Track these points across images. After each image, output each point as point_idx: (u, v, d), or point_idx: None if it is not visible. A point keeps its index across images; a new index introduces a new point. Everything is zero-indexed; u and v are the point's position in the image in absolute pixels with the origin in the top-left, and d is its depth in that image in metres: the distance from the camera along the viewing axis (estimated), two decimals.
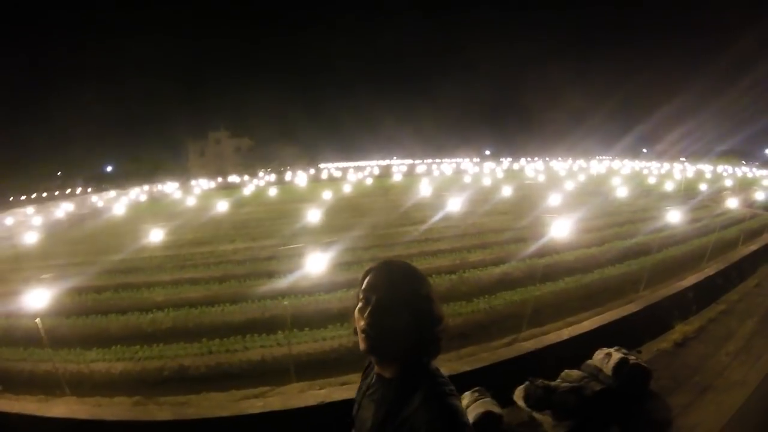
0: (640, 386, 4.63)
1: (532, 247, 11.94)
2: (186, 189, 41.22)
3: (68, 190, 56.83)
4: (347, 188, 24.94)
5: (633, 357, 4.79)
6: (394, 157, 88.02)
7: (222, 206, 19.25)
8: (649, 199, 21.38)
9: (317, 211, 14.16)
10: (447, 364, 5.30)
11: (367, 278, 1.37)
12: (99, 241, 17.79)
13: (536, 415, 4.12)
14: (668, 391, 4.70)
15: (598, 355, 4.89)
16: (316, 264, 6.38)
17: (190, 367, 7.14)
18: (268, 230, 17.44)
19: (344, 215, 19.35)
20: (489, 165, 58.57)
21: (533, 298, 7.37)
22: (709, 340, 5.91)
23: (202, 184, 46.07)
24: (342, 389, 5.15)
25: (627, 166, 52.83)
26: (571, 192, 21.00)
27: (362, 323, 1.30)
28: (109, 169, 79.18)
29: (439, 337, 1.33)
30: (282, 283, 10.46)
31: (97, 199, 39.49)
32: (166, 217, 22.12)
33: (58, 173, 71.04)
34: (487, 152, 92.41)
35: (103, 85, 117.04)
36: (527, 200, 21.73)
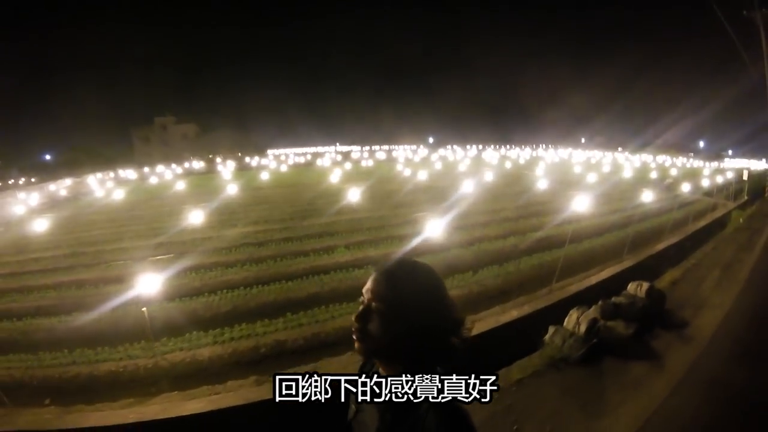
0: (660, 305, 6.98)
1: (533, 222, 14.48)
2: (157, 175, 40.35)
3: (11, 180, 53.37)
4: (337, 173, 26.13)
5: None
6: (336, 144, 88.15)
7: (232, 189, 20.08)
8: (610, 185, 24.64)
9: (356, 192, 15.53)
10: (514, 310, 7.35)
11: (371, 279, 1.29)
12: (101, 228, 18.03)
13: (610, 323, 6.28)
14: (677, 309, 7.06)
15: (632, 286, 7.19)
16: (435, 229, 8.02)
17: (286, 340, 7.35)
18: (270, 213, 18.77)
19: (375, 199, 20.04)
20: (443, 152, 61.53)
21: (562, 258, 9.59)
22: (691, 281, 8.48)
23: (163, 172, 44.89)
24: None
25: (575, 155, 58.02)
26: (546, 177, 23.62)
27: (356, 327, 1.26)
28: (47, 157, 74.27)
29: (451, 345, 1.22)
30: (319, 260, 11.66)
31: (56, 188, 37.95)
32: (160, 202, 22.58)
33: None
34: (431, 140, 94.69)
35: (37, 71, 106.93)
36: (513, 184, 24.40)
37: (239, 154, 68.99)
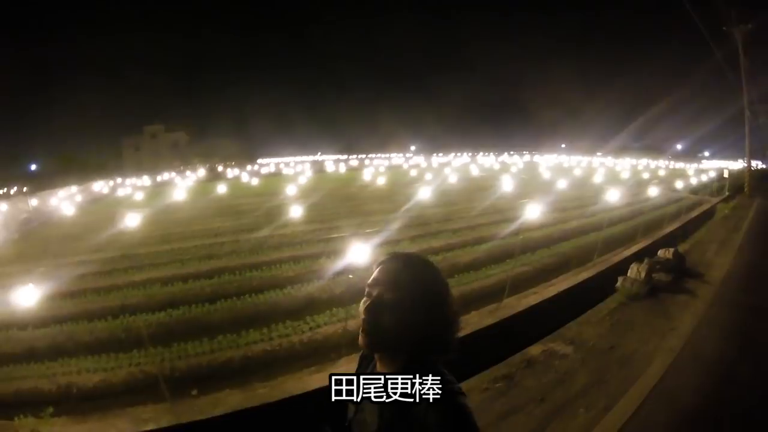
0: (683, 263, 10.14)
1: (561, 216, 17.72)
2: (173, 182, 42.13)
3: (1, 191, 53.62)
4: (371, 178, 28.63)
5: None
6: (320, 153, 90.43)
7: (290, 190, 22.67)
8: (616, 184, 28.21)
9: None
10: (584, 273, 10.47)
11: (377, 272, 1.35)
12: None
13: (654, 274, 9.39)
14: (693, 267, 10.23)
15: (661, 251, 10.29)
16: (534, 213, 11.17)
17: None
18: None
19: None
20: (444, 159, 64.98)
21: (600, 241, 12.78)
22: (698, 251, 11.76)
23: (173, 178, 46.71)
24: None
25: (565, 161, 62.48)
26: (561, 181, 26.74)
27: (364, 319, 1.30)
28: (33, 167, 73.63)
29: (448, 339, 1.31)
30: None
31: (67, 194, 39.32)
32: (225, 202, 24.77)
33: None
34: (413, 148, 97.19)
35: (21, 78, 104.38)
36: (529, 186, 27.91)
37: (232, 163, 70.56)
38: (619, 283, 8.99)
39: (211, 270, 12.61)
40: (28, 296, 6.62)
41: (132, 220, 15.24)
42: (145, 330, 8.34)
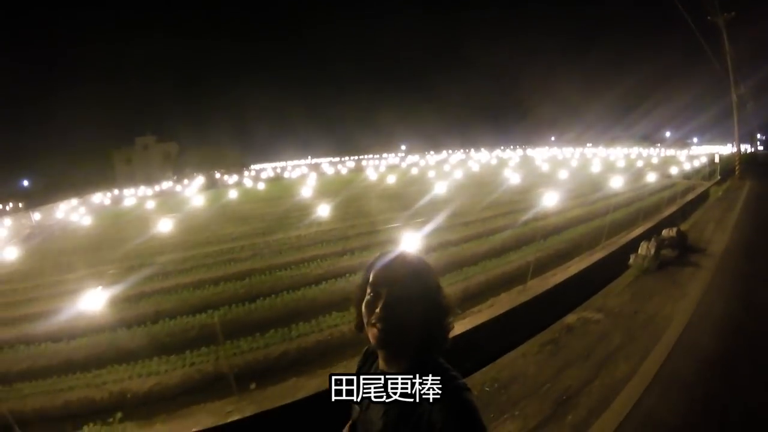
0: (686, 240, 11.17)
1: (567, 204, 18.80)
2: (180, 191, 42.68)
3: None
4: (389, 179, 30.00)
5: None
6: (310, 157, 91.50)
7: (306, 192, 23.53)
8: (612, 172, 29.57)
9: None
10: (598, 254, 11.48)
11: (374, 271, 1.38)
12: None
13: (662, 251, 10.40)
14: (694, 243, 11.28)
15: (665, 231, 11.33)
16: (548, 203, 12.15)
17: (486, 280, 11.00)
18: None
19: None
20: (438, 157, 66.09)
21: (606, 225, 13.82)
22: (697, 230, 12.83)
23: (173, 187, 47.29)
24: None
25: (559, 153, 63.95)
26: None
27: (373, 318, 1.32)
28: (26, 183, 73.91)
29: (448, 329, 1.38)
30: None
31: (68, 207, 39.78)
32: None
33: None
34: (403, 147, 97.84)
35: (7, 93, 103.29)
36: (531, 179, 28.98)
37: (223, 170, 71.06)
38: (631, 260, 10.00)
39: (241, 272, 13.35)
40: (74, 305, 6.94)
41: (150, 230, 15.73)
42: (191, 332, 8.80)
